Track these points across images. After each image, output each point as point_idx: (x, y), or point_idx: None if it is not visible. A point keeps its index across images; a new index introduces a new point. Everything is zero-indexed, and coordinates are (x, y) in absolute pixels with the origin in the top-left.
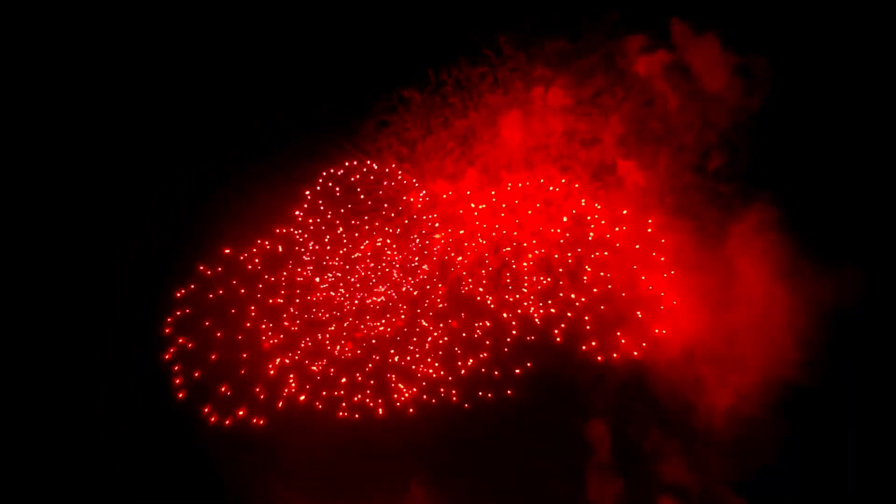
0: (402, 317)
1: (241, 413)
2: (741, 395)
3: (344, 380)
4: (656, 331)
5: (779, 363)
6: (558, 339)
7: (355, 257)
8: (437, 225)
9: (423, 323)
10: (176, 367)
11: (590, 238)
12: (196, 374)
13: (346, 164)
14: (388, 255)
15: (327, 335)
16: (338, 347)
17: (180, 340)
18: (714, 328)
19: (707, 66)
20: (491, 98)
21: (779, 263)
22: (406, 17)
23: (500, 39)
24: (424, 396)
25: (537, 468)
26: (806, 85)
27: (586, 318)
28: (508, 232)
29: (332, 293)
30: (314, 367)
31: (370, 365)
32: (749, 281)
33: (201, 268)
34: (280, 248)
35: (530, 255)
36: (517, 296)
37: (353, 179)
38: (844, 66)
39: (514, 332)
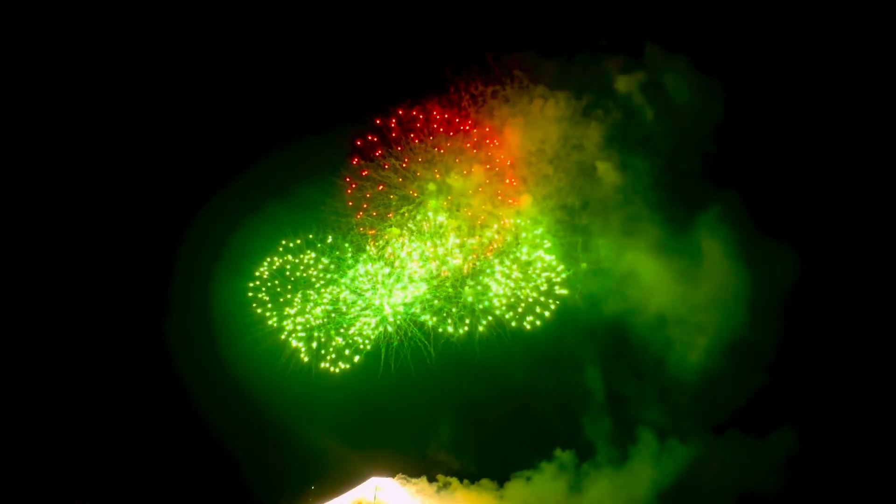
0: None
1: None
2: (703, 351)
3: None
4: None
5: (732, 326)
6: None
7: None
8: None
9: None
10: None
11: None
12: None
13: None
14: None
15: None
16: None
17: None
18: (682, 298)
19: (677, 83)
20: (500, 110)
21: (733, 247)
22: (435, 46)
23: (510, 63)
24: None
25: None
26: (760, 100)
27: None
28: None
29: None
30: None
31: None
32: (709, 260)
33: None
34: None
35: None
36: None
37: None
38: (794, 85)
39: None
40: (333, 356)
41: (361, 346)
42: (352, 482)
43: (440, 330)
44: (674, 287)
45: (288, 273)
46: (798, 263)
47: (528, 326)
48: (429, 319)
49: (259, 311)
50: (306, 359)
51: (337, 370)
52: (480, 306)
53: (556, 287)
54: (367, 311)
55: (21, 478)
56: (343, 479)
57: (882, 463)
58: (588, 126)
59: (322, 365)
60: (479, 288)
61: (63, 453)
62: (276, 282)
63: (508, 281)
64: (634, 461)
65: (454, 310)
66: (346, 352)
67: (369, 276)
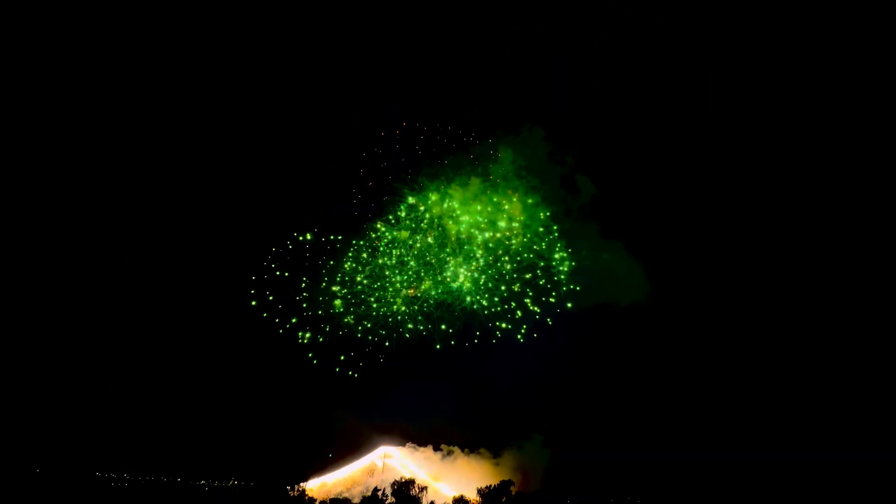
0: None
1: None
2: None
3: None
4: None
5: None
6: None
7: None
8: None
9: (453, 285)
10: None
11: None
12: None
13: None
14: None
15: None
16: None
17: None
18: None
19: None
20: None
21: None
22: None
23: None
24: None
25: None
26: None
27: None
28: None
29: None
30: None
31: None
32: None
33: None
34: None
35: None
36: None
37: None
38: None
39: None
40: (352, 355)
41: (387, 343)
42: (364, 451)
43: (443, 325)
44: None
45: (307, 264)
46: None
47: (521, 339)
48: (434, 313)
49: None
50: (316, 360)
51: (356, 375)
52: (477, 306)
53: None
54: (382, 308)
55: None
56: (357, 448)
57: None
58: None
59: (338, 370)
60: (480, 288)
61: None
62: (287, 274)
63: (503, 283)
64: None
65: (456, 311)
66: (368, 349)
67: (381, 274)
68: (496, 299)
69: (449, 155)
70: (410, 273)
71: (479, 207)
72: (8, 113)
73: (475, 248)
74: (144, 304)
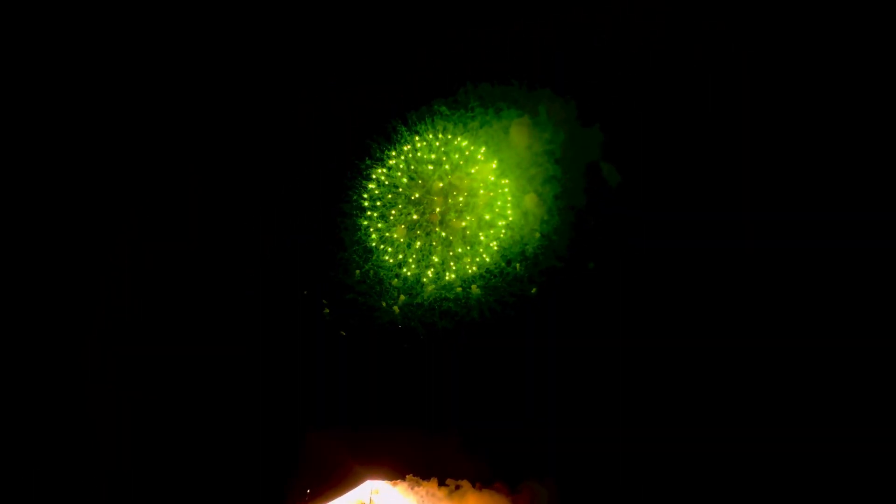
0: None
1: None
2: None
3: None
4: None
5: None
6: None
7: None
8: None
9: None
10: None
11: None
12: None
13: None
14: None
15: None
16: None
17: None
18: None
19: None
20: (508, 111)
21: None
22: (442, 48)
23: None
24: None
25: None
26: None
27: None
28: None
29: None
30: None
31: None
32: None
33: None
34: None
35: (538, 235)
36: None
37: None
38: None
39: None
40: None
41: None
42: (348, 485)
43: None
44: None
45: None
46: None
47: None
48: (438, 323)
49: None
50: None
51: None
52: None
53: None
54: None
55: None
56: (339, 482)
57: None
58: (593, 127)
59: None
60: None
61: None
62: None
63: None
64: None
65: (465, 320)
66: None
67: (379, 275)
68: (509, 306)
69: (454, 139)
70: (409, 277)
71: (488, 199)
72: (7, 113)
73: (483, 249)
74: (144, 304)
